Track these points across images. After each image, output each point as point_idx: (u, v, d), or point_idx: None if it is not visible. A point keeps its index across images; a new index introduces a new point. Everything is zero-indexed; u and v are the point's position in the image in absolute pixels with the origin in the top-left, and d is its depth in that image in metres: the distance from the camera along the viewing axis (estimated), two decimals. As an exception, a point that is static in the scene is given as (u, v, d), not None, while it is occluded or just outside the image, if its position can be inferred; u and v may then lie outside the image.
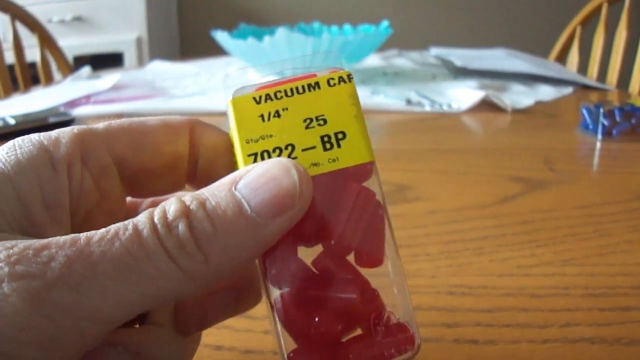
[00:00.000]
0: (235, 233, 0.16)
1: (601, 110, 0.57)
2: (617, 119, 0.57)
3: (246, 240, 0.16)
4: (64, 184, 0.18)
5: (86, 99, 0.82)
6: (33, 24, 1.25)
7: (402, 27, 1.53)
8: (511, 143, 0.57)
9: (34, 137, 0.19)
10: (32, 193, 0.17)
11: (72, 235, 0.15)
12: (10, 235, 0.16)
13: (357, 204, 0.18)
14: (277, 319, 0.18)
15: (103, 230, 0.15)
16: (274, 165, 0.17)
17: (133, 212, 0.22)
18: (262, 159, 0.18)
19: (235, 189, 0.16)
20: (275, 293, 0.18)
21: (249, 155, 0.18)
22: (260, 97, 0.19)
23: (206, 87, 0.90)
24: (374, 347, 0.18)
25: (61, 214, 0.18)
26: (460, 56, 1.01)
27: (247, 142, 0.18)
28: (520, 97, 0.77)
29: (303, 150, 0.18)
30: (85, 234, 0.15)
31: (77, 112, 0.73)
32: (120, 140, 0.20)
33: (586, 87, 0.86)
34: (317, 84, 0.19)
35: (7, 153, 0.18)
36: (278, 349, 0.18)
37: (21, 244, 0.15)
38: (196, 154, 0.21)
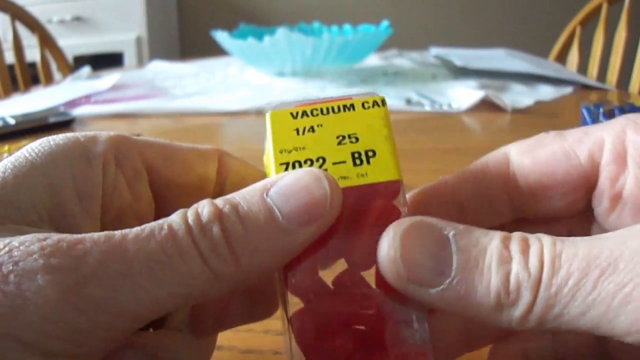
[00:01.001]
0: (266, 238, 0.16)
1: (601, 110, 0.57)
2: (617, 118, 0.57)
3: (275, 246, 0.16)
4: (98, 178, 0.19)
5: (86, 99, 0.82)
6: (33, 24, 1.25)
7: (402, 27, 1.53)
8: (511, 143, 0.57)
9: (69, 133, 0.19)
10: (65, 183, 0.18)
11: (107, 232, 0.15)
12: (40, 228, 0.16)
13: (380, 219, 0.18)
14: (291, 333, 0.18)
15: (138, 228, 0.15)
16: (305, 175, 0.17)
17: None
18: (294, 168, 0.18)
19: (267, 195, 0.17)
20: (293, 307, 0.18)
21: (281, 164, 0.19)
22: (297, 113, 0.20)
23: (206, 87, 0.90)
24: None
25: (93, 207, 0.18)
26: (460, 56, 1.01)
27: (281, 152, 0.19)
28: (520, 96, 0.77)
29: (333, 163, 0.19)
30: (120, 231, 0.15)
31: (77, 112, 0.73)
32: (152, 149, 0.20)
33: (586, 87, 0.86)
34: (352, 105, 0.20)
35: (40, 144, 0.18)
36: (283, 351, 0.18)
37: (54, 236, 0.15)
38: (223, 181, 0.22)
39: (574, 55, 1.20)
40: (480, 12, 2.23)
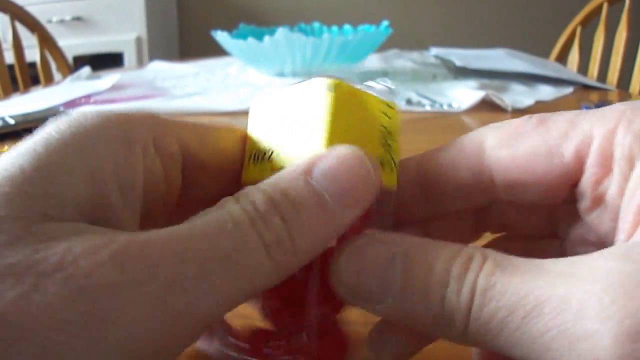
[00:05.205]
0: (318, 222, 0.16)
1: (601, 110, 0.57)
2: (618, 119, 0.57)
3: (326, 229, 0.16)
4: (139, 165, 0.16)
5: (86, 99, 0.82)
6: (33, 24, 1.25)
7: (402, 27, 1.53)
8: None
9: (103, 111, 0.16)
10: (106, 170, 0.15)
11: (170, 228, 0.14)
12: (87, 225, 0.14)
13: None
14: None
15: (200, 222, 0.15)
16: (348, 154, 0.16)
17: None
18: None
19: (312, 177, 0.16)
20: None
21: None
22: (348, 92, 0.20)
23: (206, 87, 0.90)
24: None
25: (134, 198, 0.16)
26: (460, 56, 1.01)
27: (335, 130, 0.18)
28: (520, 96, 0.77)
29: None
30: (182, 226, 0.14)
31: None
32: (189, 130, 0.19)
33: (586, 87, 0.86)
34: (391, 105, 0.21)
35: (70, 123, 0.15)
36: None
37: (119, 237, 0.13)
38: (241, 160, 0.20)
39: (574, 56, 1.20)
40: (480, 12, 2.23)
